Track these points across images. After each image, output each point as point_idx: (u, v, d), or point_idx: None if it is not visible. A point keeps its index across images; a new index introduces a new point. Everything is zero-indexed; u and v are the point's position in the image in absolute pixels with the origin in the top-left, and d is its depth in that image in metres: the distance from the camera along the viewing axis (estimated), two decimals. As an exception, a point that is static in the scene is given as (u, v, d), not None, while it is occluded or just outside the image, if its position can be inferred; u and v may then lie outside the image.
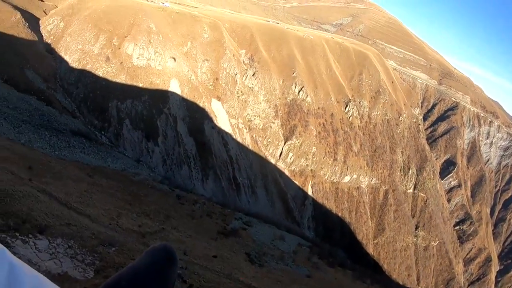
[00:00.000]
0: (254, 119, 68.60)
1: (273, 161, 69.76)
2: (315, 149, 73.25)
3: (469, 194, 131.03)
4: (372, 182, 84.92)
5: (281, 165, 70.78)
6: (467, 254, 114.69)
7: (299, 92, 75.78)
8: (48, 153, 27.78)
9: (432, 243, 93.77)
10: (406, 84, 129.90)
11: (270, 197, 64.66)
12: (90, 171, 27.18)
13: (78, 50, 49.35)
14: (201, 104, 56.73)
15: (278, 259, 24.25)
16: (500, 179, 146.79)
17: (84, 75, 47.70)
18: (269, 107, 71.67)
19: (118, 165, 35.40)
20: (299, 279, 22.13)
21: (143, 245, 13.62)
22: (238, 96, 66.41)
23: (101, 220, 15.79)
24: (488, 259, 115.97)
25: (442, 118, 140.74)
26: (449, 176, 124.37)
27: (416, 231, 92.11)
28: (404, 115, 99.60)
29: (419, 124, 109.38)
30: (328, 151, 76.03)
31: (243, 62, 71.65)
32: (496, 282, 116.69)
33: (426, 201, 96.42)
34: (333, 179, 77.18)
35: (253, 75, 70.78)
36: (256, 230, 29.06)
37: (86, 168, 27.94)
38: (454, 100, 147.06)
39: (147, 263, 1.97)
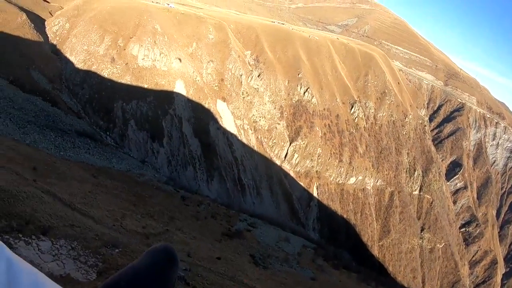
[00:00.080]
0: (260, 120, 68.48)
1: (278, 162, 69.59)
2: (320, 150, 73.01)
3: (475, 196, 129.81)
4: (378, 183, 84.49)
5: (286, 166, 70.62)
6: (473, 256, 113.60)
7: (304, 93, 75.57)
8: (53, 154, 27.87)
9: (438, 245, 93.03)
10: (412, 85, 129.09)
11: (275, 199, 64.48)
12: (95, 172, 27.22)
13: (84, 51, 49.59)
14: (206, 105, 56.73)
15: (282, 261, 24.10)
16: (507, 180, 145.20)
17: (89, 76, 47.92)
18: (275, 108, 71.53)
19: (123, 166, 35.46)
20: (304, 282, 21.95)
21: (146, 247, 13.48)
22: (244, 97, 66.34)
23: (105, 221, 15.75)
24: (494, 262, 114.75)
25: (448, 119, 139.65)
26: (455, 177, 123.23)
27: (422, 233, 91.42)
28: (410, 116, 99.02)
29: (425, 126, 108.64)
30: (334, 153, 75.76)
31: (249, 63, 71.57)
32: (502, 285, 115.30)
33: (431, 203, 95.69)
34: (338, 181, 76.89)
35: (258, 76, 70.68)
36: (261, 231, 28.94)
37: (91, 169, 28.00)
38: (460, 101, 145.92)
39: (147, 264, 1.97)
